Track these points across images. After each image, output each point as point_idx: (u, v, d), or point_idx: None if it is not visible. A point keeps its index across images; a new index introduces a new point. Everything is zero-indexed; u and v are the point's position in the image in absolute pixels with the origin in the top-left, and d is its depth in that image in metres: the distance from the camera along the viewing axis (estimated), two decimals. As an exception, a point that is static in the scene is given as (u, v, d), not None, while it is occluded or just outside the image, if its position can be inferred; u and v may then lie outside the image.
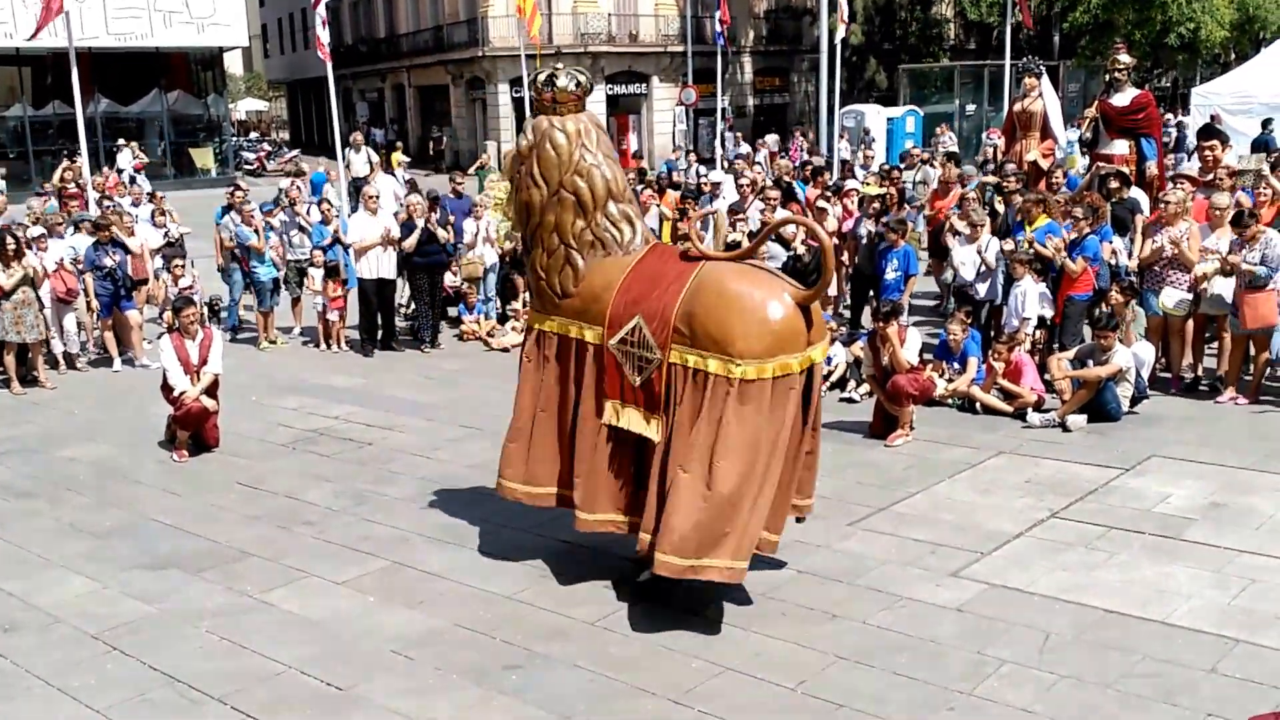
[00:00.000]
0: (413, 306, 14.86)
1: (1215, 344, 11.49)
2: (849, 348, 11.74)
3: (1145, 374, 10.62)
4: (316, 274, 14.50)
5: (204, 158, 42.30)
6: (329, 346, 14.50)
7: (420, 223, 13.85)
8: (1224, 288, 10.70)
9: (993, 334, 11.61)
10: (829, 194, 15.69)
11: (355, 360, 14.01)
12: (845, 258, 14.42)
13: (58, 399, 12.37)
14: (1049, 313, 11.40)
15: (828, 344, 7.57)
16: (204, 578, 7.46)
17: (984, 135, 28.33)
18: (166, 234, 16.09)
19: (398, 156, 31.12)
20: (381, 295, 14.13)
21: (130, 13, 36.29)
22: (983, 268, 11.81)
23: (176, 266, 15.14)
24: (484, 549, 7.79)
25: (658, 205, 15.02)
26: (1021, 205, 12.00)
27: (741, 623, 6.52)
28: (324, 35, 19.59)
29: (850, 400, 11.27)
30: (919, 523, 8.00)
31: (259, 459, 10.07)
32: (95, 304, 13.51)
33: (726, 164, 26.87)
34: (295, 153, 47.98)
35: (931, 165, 19.02)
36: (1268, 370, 10.81)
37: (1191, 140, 20.97)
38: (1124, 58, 13.96)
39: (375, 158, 24.02)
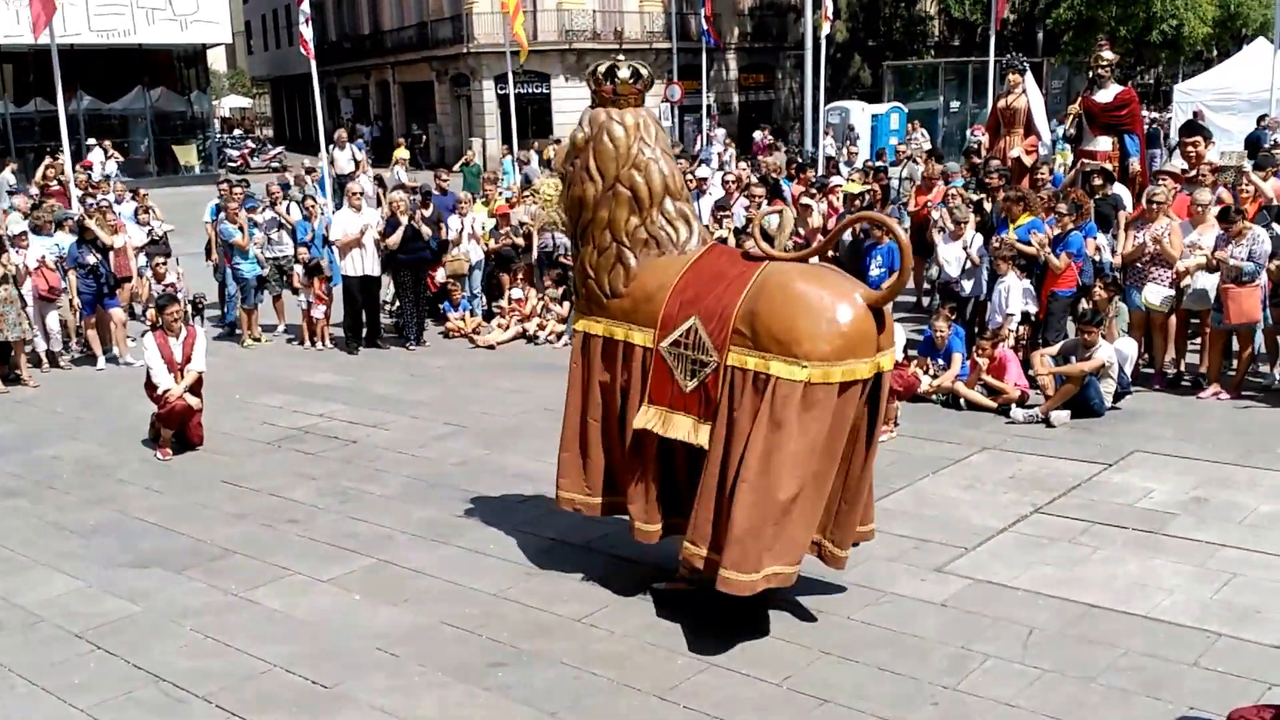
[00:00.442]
0: (397, 304, 14.84)
1: (1198, 340, 11.55)
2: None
3: (1128, 369, 10.67)
4: (300, 271, 14.45)
5: (187, 155, 42.17)
6: (313, 344, 14.46)
7: (404, 220, 13.82)
8: (1206, 283, 10.75)
9: (977, 330, 11.65)
10: (814, 191, 15.70)
11: (340, 358, 13.98)
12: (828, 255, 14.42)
13: (41, 397, 12.32)
14: (1033, 309, 11.45)
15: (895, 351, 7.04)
16: (188, 576, 7.43)
17: (968, 132, 28.40)
18: (150, 231, 16.04)
19: (400, 153, 30.68)
20: (366, 292, 14.10)
21: (113, 9, 36.12)
22: (967, 264, 11.85)
23: (159, 264, 15.10)
24: (469, 546, 7.78)
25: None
26: (1001, 204, 12.04)
27: (726, 619, 6.52)
28: (307, 32, 19.58)
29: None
30: (903, 518, 8.01)
31: (243, 457, 10.04)
32: (78, 302, 13.46)
33: (718, 161, 27.13)
34: (279, 150, 47.86)
35: (916, 161, 19.03)
36: (1250, 366, 10.86)
37: (1173, 138, 21.06)
38: (1107, 54, 14.01)
39: (360, 155, 23.93)
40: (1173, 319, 11.18)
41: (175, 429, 10.07)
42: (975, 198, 13.24)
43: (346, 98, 55.16)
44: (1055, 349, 10.67)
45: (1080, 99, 14.33)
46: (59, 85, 16.77)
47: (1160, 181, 11.85)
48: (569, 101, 43.27)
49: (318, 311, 14.37)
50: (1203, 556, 7.21)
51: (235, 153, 46.53)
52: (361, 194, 14.42)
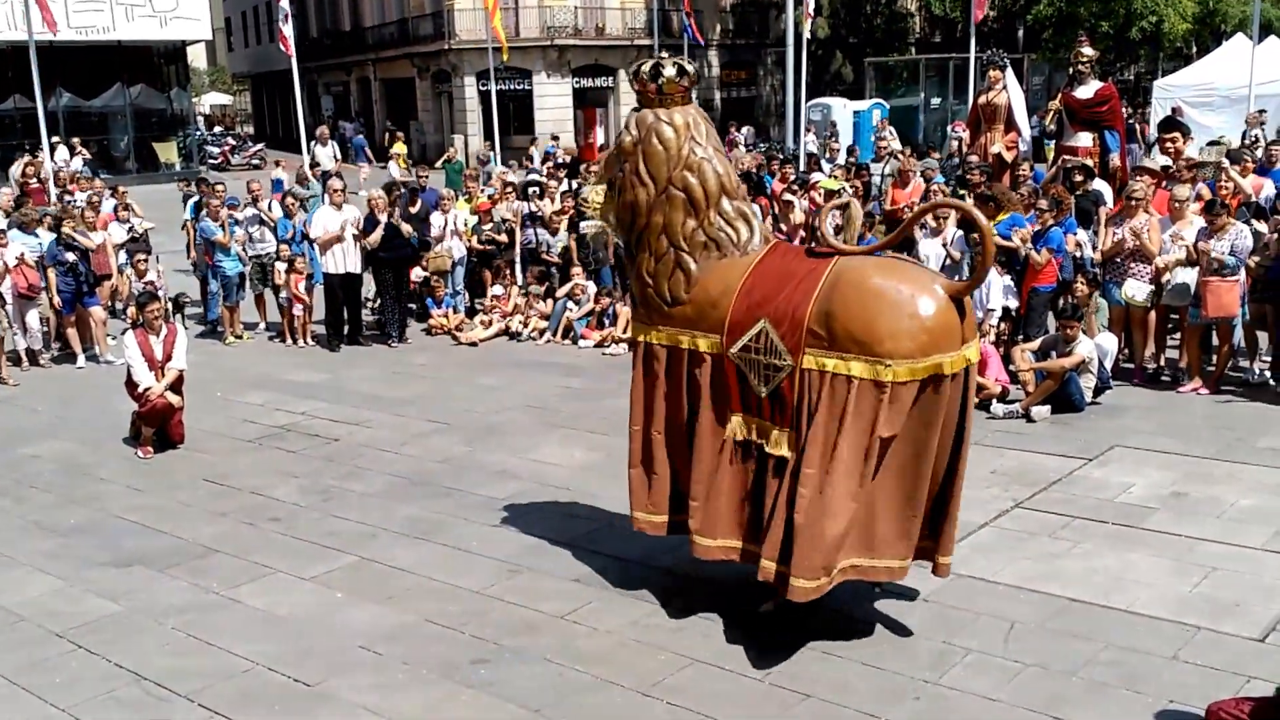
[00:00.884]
0: (379, 301, 14.81)
1: (1178, 335, 11.61)
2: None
3: (1109, 365, 10.71)
4: (282, 268, 14.41)
5: (167, 152, 41.98)
6: (295, 342, 14.43)
7: (383, 218, 13.79)
8: (1186, 278, 10.81)
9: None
10: (795, 187, 15.72)
11: (321, 355, 13.94)
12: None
13: (20, 395, 12.25)
14: (1013, 304, 11.49)
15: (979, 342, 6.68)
16: (170, 575, 7.41)
17: (949, 128, 28.46)
18: (130, 229, 15.96)
19: (398, 148, 30.14)
20: (347, 290, 14.07)
21: (92, 6, 35.96)
22: (947, 260, 11.88)
23: (140, 261, 15.01)
24: (452, 544, 7.77)
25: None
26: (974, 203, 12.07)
27: (709, 615, 6.54)
28: (288, 29, 19.53)
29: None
30: (885, 514, 8.02)
31: (225, 455, 10.01)
32: (57, 300, 13.38)
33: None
34: (260, 147, 47.67)
35: (896, 158, 19.05)
36: (1230, 361, 10.93)
37: (1151, 134, 21.12)
38: (1087, 50, 14.08)
39: (339, 152, 23.83)
40: (1152, 314, 11.24)
41: (156, 427, 10.03)
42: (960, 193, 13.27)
43: (327, 94, 54.98)
44: (1036, 344, 10.71)
45: (1061, 95, 14.39)
46: (37, 82, 16.69)
47: (1139, 178, 11.91)
48: (551, 98, 43.31)
49: (298, 309, 14.33)
50: (1182, 550, 7.25)
51: (216, 149, 46.35)
52: (343, 190, 14.37)
